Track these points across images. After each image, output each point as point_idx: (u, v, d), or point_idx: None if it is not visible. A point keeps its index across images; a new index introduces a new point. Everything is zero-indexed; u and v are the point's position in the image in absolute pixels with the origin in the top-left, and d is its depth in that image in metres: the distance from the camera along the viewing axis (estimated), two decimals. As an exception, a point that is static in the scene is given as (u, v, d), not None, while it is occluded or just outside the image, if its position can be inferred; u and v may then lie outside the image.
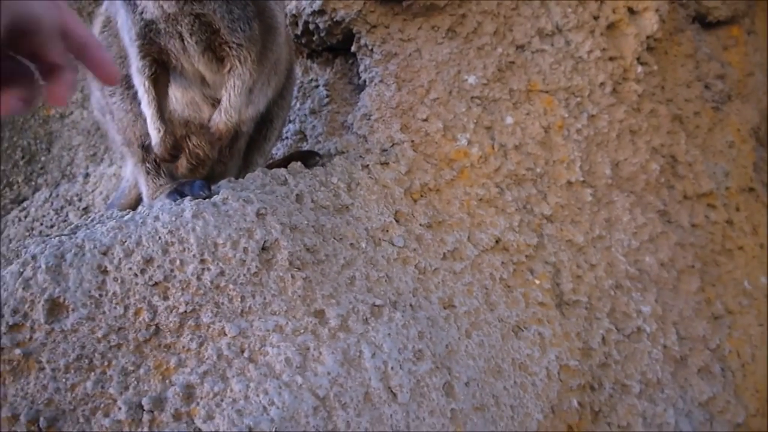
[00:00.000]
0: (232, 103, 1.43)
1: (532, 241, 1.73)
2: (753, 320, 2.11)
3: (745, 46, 2.53)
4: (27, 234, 2.34)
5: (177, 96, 1.51)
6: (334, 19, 1.80)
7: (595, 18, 2.03)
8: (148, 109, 1.41)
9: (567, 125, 1.91)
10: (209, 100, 1.49)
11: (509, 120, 1.84)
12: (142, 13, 1.32)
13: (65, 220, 2.32)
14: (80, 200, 2.36)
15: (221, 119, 1.43)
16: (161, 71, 1.42)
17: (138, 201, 1.70)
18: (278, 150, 2.01)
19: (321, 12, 1.80)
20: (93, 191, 2.36)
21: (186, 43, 1.36)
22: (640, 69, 2.07)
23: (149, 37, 1.35)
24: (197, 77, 1.45)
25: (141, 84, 1.40)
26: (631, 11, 2.09)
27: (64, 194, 2.43)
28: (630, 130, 2.03)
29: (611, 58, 2.03)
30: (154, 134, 1.41)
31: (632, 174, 2.02)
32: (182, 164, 1.57)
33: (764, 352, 2.11)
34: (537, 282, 1.69)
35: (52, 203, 2.41)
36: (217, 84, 1.46)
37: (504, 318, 1.55)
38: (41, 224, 2.35)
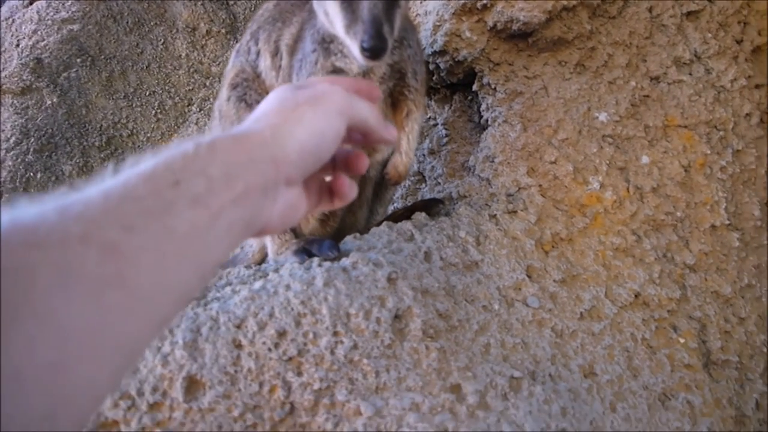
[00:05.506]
0: (411, 145, 1.43)
1: (674, 295, 1.58)
2: None
3: None
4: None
5: None
6: (456, 59, 1.72)
7: (738, 42, 1.85)
8: None
9: (710, 163, 1.74)
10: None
11: (645, 159, 1.70)
12: (335, 61, 1.31)
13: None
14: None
15: (401, 161, 1.43)
16: None
17: (260, 261, 1.67)
18: (396, 191, 1.95)
19: (442, 52, 1.72)
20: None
21: None
22: (791, 96, 1.87)
23: None
24: None
25: None
26: (780, 32, 1.89)
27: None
28: (780, 165, 1.84)
29: (757, 86, 1.84)
30: None
31: (783, 214, 1.82)
32: (311, 217, 1.54)
33: None
34: (682, 341, 1.54)
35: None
36: None
37: (649, 386, 1.42)
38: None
